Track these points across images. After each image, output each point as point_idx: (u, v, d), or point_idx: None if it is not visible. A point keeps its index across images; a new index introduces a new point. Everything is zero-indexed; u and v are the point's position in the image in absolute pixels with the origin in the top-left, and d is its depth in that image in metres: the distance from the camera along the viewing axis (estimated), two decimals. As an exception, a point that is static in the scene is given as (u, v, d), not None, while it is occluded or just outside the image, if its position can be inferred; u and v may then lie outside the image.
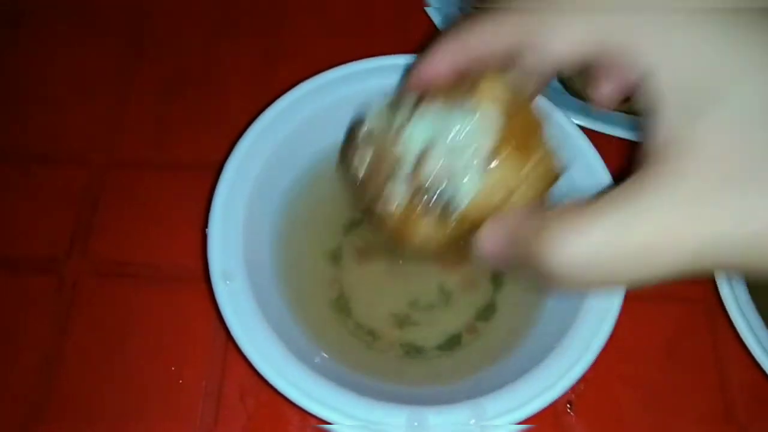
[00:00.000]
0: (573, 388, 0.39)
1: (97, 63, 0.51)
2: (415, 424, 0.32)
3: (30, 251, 0.44)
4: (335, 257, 0.41)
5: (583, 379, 0.39)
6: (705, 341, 0.41)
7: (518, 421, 0.32)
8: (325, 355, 0.37)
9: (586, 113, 0.44)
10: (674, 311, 0.42)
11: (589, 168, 0.39)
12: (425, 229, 0.32)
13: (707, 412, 0.40)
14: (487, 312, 0.40)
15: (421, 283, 0.41)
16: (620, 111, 0.46)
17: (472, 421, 0.32)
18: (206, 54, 0.51)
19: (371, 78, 0.41)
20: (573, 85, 0.47)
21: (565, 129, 0.40)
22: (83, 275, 0.43)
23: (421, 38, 0.51)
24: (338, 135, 0.42)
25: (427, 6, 0.49)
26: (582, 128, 0.40)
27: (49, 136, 0.48)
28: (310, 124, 0.41)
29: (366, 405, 0.32)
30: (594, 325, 0.34)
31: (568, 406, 0.40)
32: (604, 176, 0.39)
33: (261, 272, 0.38)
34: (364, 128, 0.34)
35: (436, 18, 0.49)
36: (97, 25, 0.52)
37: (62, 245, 0.44)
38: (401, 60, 0.41)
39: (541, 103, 0.40)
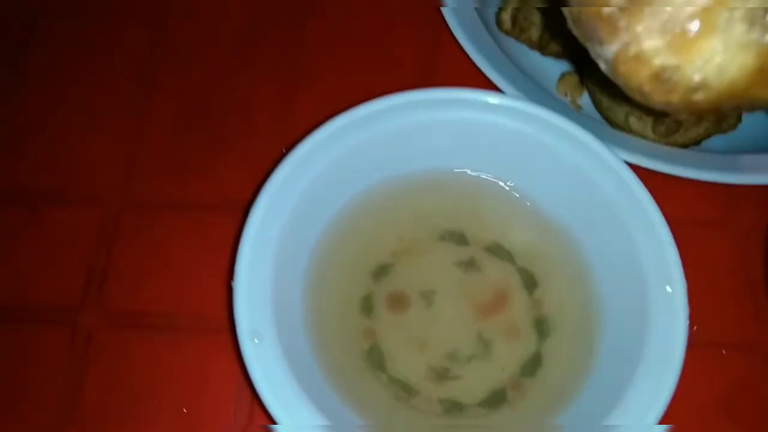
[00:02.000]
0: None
1: (108, 94, 0.48)
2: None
3: (41, 300, 0.41)
4: (367, 306, 0.38)
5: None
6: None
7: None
8: (359, 415, 0.34)
9: (631, 147, 0.42)
10: (732, 361, 0.39)
11: (638, 206, 0.36)
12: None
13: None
14: (532, 365, 0.37)
15: (458, 331, 0.38)
16: (667, 143, 0.43)
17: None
18: (223, 84, 0.49)
19: (405, 113, 0.39)
20: (613, 116, 0.44)
21: (610, 164, 0.37)
22: (98, 326, 0.40)
23: (445, 68, 0.49)
24: (372, 176, 0.40)
25: (443, 6, 0.47)
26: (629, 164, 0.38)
27: (60, 174, 0.45)
28: (342, 164, 0.38)
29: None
30: (654, 387, 0.31)
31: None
32: (655, 217, 0.36)
33: (291, 327, 0.35)
34: None
35: (452, 20, 0.46)
36: (107, 55, 0.50)
37: (75, 293, 0.41)
38: (436, 94, 0.39)
39: (584, 136, 0.38)
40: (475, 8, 0.48)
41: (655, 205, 0.36)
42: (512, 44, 0.49)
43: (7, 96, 0.48)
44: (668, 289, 0.34)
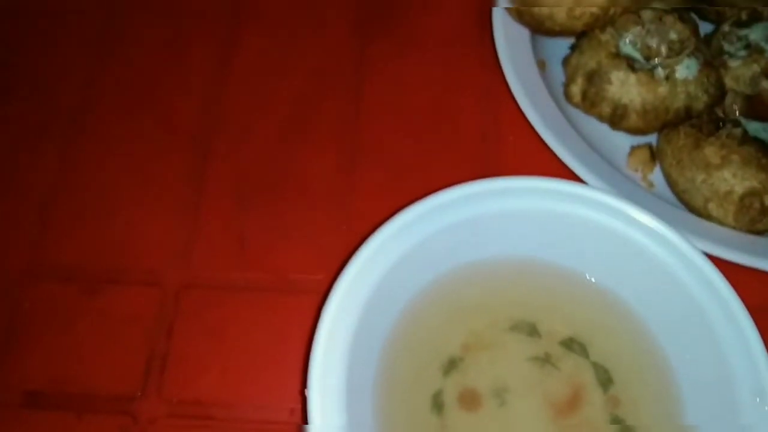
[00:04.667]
0: None
1: (165, 169, 0.47)
2: None
3: (99, 388, 0.40)
4: (437, 403, 0.37)
5: None
6: None
7: None
8: None
9: (710, 236, 0.40)
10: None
11: (726, 310, 0.35)
12: None
13: None
14: (613, 472, 0.35)
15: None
16: (749, 232, 0.41)
17: None
18: (280, 155, 0.48)
19: (482, 201, 0.38)
20: (691, 199, 0.43)
21: (696, 263, 0.36)
22: (158, 417, 0.39)
23: (510, 145, 0.47)
24: (443, 265, 0.38)
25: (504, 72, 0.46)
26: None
27: (117, 252, 0.44)
28: (415, 253, 0.37)
29: None
30: None
31: None
32: (743, 320, 0.34)
33: (362, 428, 0.34)
34: None
35: (518, 91, 0.45)
36: (165, 131, 0.49)
37: (135, 379, 0.40)
38: (512, 183, 0.38)
39: (668, 233, 0.36)
40: (540, 77, 0.47)
41: (745, 310, 0.34)
42: (579, 114, 0.47)
43: (64, 173, 0.47)
44: (758, 400, 0.33)
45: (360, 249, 0.36)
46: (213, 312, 0.42)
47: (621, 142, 0.47)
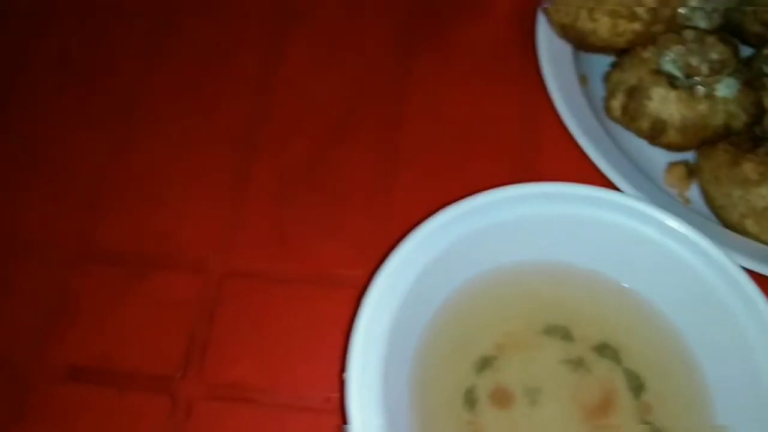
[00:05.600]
0: None
1: (212, 165, 0.49)
2: None
3: (141, 368, 0.42)
4: (470, 399, 0.38)
5: None
6: None
7: None
8: None
9: (748, 251, 0.41)
10: None
11: (760, 320, 0.35)
12: None
13: None
14: (642, 477, 0.36)
15: (564, 432, 0.37)
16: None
17: None
18: (323, 156, 0.49)
19: (520, 205, 0.39)
20: (727, 215, 0.43)
21: (731, 273, 0.36)
22: (198, 397, 0.40)
23: (550, 155, 0.48)
24: (480, 266, 0.39)
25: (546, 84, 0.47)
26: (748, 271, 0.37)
27: (164, 239, 0.46)
28: (453, 253, 0.38)
29: None
30: None
31: None
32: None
33: (398, 421, 0.34)
34: None
35: (560, 103, 0.46)
36: (212, 126, 0.51)
37: (176, 361, 0.41)
38: (551, 188, 0.39)
39: (703, 242, 0.37)
40: (580, 89, 0.48)
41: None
42: (617, 128, 0.48)
43: (116, 163, 0.49)
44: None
45: (399, 246, 0.37)
46: (253, 300, 0.43)
47: (659, 158, 0.48)
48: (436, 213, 0.38)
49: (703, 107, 0.44)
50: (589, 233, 0.39)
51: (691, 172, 0.46)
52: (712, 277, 0.37)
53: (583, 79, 0.49)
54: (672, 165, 0.47)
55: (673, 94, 0.44)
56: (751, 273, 0.38)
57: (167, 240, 0.46)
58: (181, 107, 0.51)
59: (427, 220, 0.38)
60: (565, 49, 0.49)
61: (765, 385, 0.34)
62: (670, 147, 0.46)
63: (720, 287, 0.37)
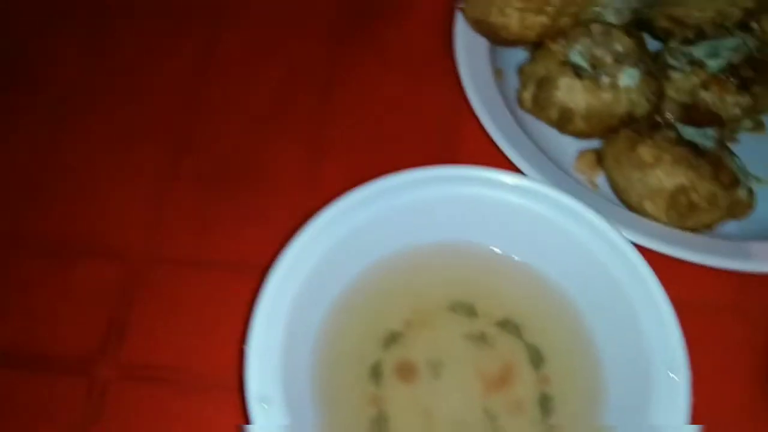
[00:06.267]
0: None
1: (140, 152, 0.50)
2: None
3: (61, 350, 0.43)
4: (375, 374, 0.39)
5: None
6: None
7: None
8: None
9: (644, 230, 0.43)
10: None
11: (644, 288, 0.37)
12: None
13: None
14: (536, 443, 0.37)
15: (464, 404, 0.38)
16: (680, 227, 0.44)
17: None
18: (251, 149, 0.51)
19: (424, 187, 0.40)
20: (628, 198, 0.45)
21: (619, 246, 0.38)
22: (114, 378, 0.41)
23: (466, 146, 0.50)
24: (388, 246, 0.41)
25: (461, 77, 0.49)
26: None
27: (87, 226, 0.47)
28: (360, 234, 0.40)
29: None
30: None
31: None
32: (661, 300, 0.36)
33: (299, 392, 0.36)
34: None
35: (474, 99, 0.48)
36: (142, 119, 0.52)
37: (94, 345, 0.43)
38: (453, 171, 0.40)
39: (594, 218, 0.39)
40: (495, 84, 0.50)
41: (662, 288, 0.36)
42: (532, 120, 0.50)
43: (48, 154, 0.51)
44: (672, 375, 0.35)
45: (307, 224, 0.38)
46: (173, 286, 0.45)
47: (572, 147, 0.50)
48: (342, 196, 0.39)
49: (607, 96, 0.46)
50: (492, 214, 0.41)
51: (600, 159, 0.48)
52: (605, 252, 0.38)
53: (498, 73, 0.51)
54: (582, 153, 0.49)
55: (579, 84, 0.46)
56: (647, 251, 0.40)
57: (93, 230, 0.47)
58: (113, 102, 0.53)
59: (333, 201, 0.39)
60: (482, 43, 0.51)
61: (646, 347, 0.36)
62: (578, 135, 0.48)
63: (611, 262, 0.38)
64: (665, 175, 0.43)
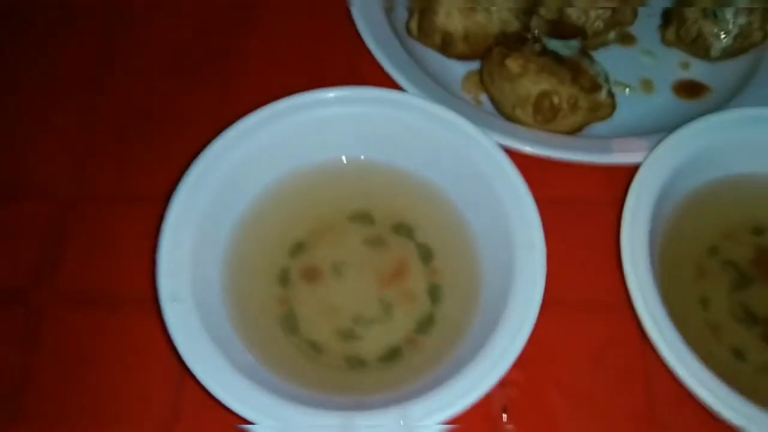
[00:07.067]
0: (508, 395, 0.42)
1: (60, 96, 0.55)
2: (344, 428, 0.34)
3: (-1, 283, 0.47)
4: (283, 278, 0.44)
5: (518, 386, 0.43)
6: (631, 348, 0.44)
7: (445, 422, 0.35)
8: (269, 370, 0.40)
9: (517, 135, 0.48)
10: (601, 319, 0.45)
11: (509, 183, 0.42)
12: None
13: (632, 414, 0.42)
14: (426, 325, 0.42)
15: (363, 298, 0.43)
16: (549, 130, 0.49)
17: (401, 422, 0.35)
18: (164, 97, 0.55)
19: (321, 108, 0.45)
20: (503, 108, 0.50)
21: (487, 149, 0.43)
22: (48, 304, 0.46)
23: (368, 83, 0.54)
24: (289, 163, 0.45)
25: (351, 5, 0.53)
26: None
27: (16, 171, 0.51)
28: (260, 154, 0.44)
29: (302, 413, 0.35)
30: (513, 332, 0.37)
31: (504, 413, 0.42)
32: (522, 191, 0.42)
33: (209, 294, 0.40)
34: None
35: (364, 31, 0.52)
36: (61, 63, 0.56)
37: (29, 276, 0.47)
38: (342, 92, 0.45)
39: (463, 124, 0.44)
40: (386, 16, 0.54)
41: (523, 180, 0.42)
42: (422, 48, 0.54)
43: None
44: (531, 250, 0.40)
45: (212, 142, 0.43)
46: (99, 220, 0.49)
47: (460, 71, 0.54)
48: (250, 113, 0.44)
49: (480, 17, 0.51)
50: (384, 130, 0.46)
51: (481, 78, 0.53)
52: (476, 155, 0.43)
53: (389, 8, 0.55)
54: (467, 74, 0.54)
55: (455, 9, 0.51)
56: (528, 156, 0.45)
57: (23, 174, 0.51)
58: (35, 57, 0.57)
59: (240, 119, 0.43)
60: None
61: (510, 230, 0.41)
62: (461, 57, 0.53)
63: (482, 163, 0.43)
64: (530, 83, 0.47)
